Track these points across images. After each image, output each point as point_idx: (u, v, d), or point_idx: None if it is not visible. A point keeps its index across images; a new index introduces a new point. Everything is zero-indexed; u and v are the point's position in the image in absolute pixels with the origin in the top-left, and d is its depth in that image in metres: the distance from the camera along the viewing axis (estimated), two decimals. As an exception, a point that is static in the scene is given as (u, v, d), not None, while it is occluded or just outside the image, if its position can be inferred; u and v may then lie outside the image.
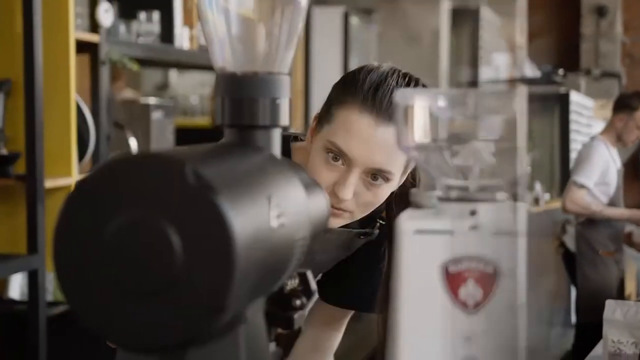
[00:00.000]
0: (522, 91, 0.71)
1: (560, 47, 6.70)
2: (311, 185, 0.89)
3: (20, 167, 2.37)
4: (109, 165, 0.63)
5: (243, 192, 0.66)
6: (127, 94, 3.87)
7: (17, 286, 2.48)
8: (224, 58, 0.84)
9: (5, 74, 2.40)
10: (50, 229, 2.05)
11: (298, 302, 0.90)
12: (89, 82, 2.66)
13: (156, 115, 3.02)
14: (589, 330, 4.20)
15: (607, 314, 1.94)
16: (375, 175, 1.25)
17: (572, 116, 6.85)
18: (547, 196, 6.11)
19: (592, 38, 9.05)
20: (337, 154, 1.24)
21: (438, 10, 5.47)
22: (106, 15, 2.65)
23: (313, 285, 0.98)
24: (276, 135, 0.84)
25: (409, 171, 1.33)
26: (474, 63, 7.16)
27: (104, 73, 2.69)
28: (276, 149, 0.83)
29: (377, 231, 1.40)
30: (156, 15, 3.03)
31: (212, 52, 0.85)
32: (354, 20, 5.70)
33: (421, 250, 0.70)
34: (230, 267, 0.61)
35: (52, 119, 2.45)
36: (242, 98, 0.82)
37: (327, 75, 4.08)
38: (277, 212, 0.71)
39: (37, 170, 2.31)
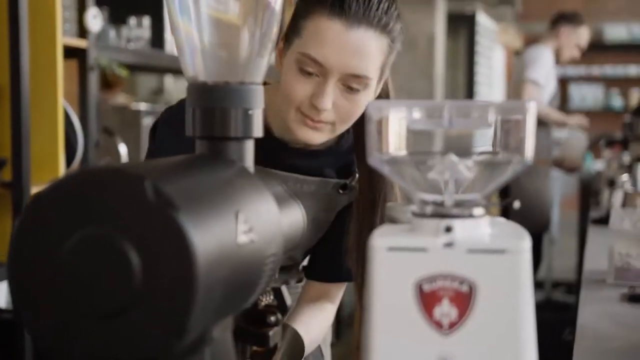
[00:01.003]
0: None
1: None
2: (285, 198, 0.86)
3: (6, 174, 2.34)
4: (67, 179, 0.61)
5: (207, 208, 0.63)
6: (121, 99, 3.85)
7: (3, 294, 2.45)
8: (195, 67, 0.81)
9: (-9, 79, 2.38)
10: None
11: (273, 319, 0.87)
12: (77, 88, 2.64)
13: (147, 121, 3.00)
14: None
15: (613, 223, 1.81)
16: (352, 84, 1.22)
17: (478, 37, 6.97)
18: None
19: None
20: (310, 65, 1.22)
21: (433, 15, 5.45)
22: (95, 20, 2.63)
23: (288, 300, 0.95)
24: (249, 147, 0.81)
25: (384, 78, 1.30)
26: (470, 64, 7.17)
27: (93, 79, 2.67)
28: (249, 160, 0.81)
29: (355, 185, 1.36)
30: (146, 20, 3.00)
31: (183, 61, 0.82)
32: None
33: (394, 268, 0.67)
34: (191, 287, 0.58)
35: (39, 125, 2.42)
36: (214, 108, 0.79)
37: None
38: (245, 227, 0.68)
39: (23, 178, 2.28)
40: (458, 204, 0.70)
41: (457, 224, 0.68)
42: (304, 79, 1.23)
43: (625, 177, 3.08)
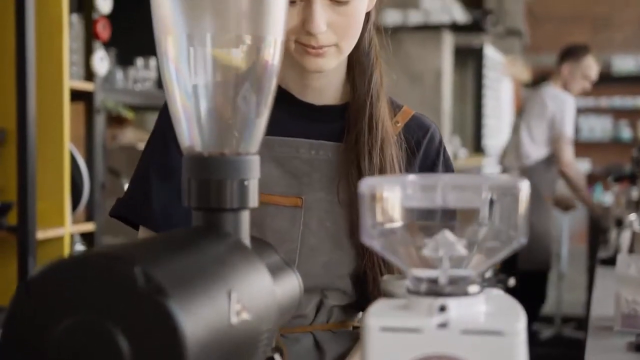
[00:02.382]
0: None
1: (465, 2, 6.72)
2: (280, 266, 0.86)
3: (12, 218, 2.35)
4: (57, 265, 0.61)
5: (199, 291, 0.63)
6: (129, 134, 3.86)
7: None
8: (191, 138, 0.81)
9: (-2, 123, 2.40)
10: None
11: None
12: (84, 130, 2.65)
13: (153, 161, 3.00)
14: (527, 277, 4.25)
15: (619, 269, 1.78)
16: None
17: (485, 71, 6.99)
18: (464, 152, 6.18)
19: None
20: None
21: (440, 50, 5.47)
22: (102, 63, 2.65)
23: None
24: (244, 218, 0.81)
25: None
26: (478, 97, 7.18)
27: (99, 121, 2.68)
28: (244, 231, 0.80)
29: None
30: (153, 61, 3.02)
31: (179, 131, 0.82)
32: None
33: (388, 348, 0.67)
34: (181, 374, 0.58)
35: (45, 168, 2.43)
36: (209, 180, 0.79)
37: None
38: (238, 307, 0.67)
39: (29, 222, 2.28)
40: (452, 281, 0.69)
41: (451, 302, 0.67)
42: (290, 9, 1.14)
43: (633, 216, 3.06)
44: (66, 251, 2.49)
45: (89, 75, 2.63)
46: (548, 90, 4.63)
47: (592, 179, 9.77)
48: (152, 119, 3.48)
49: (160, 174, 1.24)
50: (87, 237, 2.70)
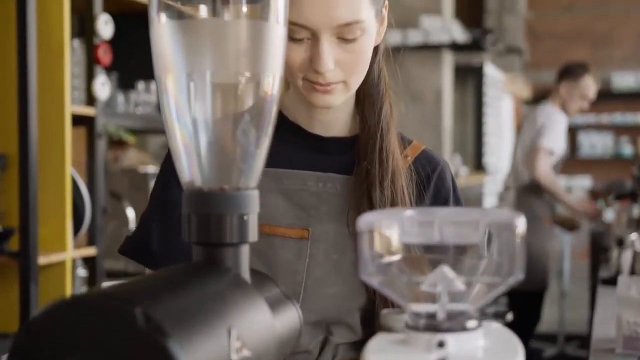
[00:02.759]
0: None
1: (465, 21, 6.77)
2: (280, 300, 0.86)
3: (14, 244, 2.36)
4: (58, 306, 0.61)
5: (199, 330, 0.63)
6: (132, 156, 3.88)
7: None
8: (192, 173, 0.82)
9: (0, 149, 2.40)
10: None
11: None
12: (85, 155, 2.66)
13: (155, 184, 3.01)
14: (523, 299, 4.24)
15: (620, 291, 1.77)
16: (347, 35, 1.13)
17: (485, 89, 7.01)
18: (465, 170, 6.20)
19: (496, 12, 9.27)
20: (297, 32, 1.13)
21: (441, 69, 5.49)
22: (103, 88, 2.66)
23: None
24: (244, 253, 0.81)
25: (384, 9, 1.22)
26: (479, 115, 7.21)
27: (101, 146, 2.69)
28: (244, 266, 0.81)
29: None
30: (154, 85, 3.04)
31: (179, 166, 0.83)
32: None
33: (387, 385, 0.67)
34: (181, 414, 0.58)
35: (47, 194, 2.44)
36: (210, 215, 0.80)
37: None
38: (238, 344, 0.68)
39: (30, 248, 2.29)
40: (451, 317, 0.70)
41: (450, 338, 0.68)
42: (297, 47, 1.15)
43: (634, 236, 3.06)
44: (68, 276, 2.49)
45: (91, 100, 2.65)
46: (543, 108, 4.64)
47: (594, 196, 9.79)
48: (153, 141, 3.50)
49: (162, 213, 1.25)
50: (89, 262, 2.71)
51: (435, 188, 1.30)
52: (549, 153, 4.39)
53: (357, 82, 1.19)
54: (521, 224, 0.69)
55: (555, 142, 4.42)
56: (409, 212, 0.73)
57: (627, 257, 2.85)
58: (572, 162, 9.96)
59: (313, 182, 1.25)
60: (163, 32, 0.79)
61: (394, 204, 1.21)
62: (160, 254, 1.20)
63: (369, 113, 1.26)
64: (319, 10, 1.11)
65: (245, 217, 0.80)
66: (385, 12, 1.24)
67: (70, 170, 2.48)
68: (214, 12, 0.82)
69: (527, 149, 4.52)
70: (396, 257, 0.72)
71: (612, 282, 2.80)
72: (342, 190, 1.25)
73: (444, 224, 0.69)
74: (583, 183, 9.92)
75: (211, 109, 0.81)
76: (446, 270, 0.70)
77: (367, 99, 1.27)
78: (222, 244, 0.79)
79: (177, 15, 0.80)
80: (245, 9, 0.78)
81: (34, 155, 2.35)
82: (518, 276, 0.69)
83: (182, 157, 0.82)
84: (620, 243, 3.23)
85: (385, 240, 0.71)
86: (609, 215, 5.94)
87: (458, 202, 1.32)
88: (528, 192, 4.47)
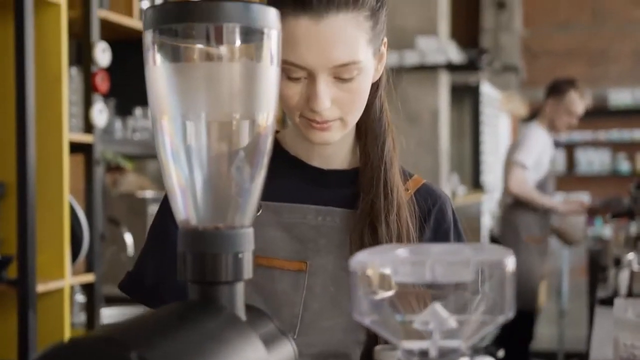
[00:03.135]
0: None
1: (461, 40, 6.81)
2: (275, 336, 0.87)
3: (12, 272, 2.36)
4: (55, 349, 0.62)
5: (194, 372, 0.64)
6: (130, 179, 3.88)
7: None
8: (187, 212, 0.83)
9: (-2, 176, 2.42)
10: (42, 335, 2.03)
11: None
12: (83, 182, 2.67)
13: (153, 209, 3.02)
14: (514, 319, 4.19)
15: (617, 313, 1.77)
16: (343, 75, 1.14)
17: (482, 108, 7.04)
18: (463, 189, 6.21)
19: (492, 31, 9.32)
20: (294, 71, 1.14)
21: (437, 90, 5.52)
22: (101, 115, 2.68)
23: None
24: (239, 290, 0.82)
25: (382, 47, 1.22)
26: (476, 134, 7.23)
27: (98, 172, 2.70)
28: (239, 303, 0.82)
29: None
30: (152, 110, 3.05)
31: (174, 205, 0.84)
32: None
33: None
34: None
35: (45, 221, 2.45)
36: (204, 254, 0.81)
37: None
38: (233, 384, 0.69)
39: (28, 276, 2.29)
40: (443, 354, 0.71)
41: (442, 376, 0.69)
42: (294, 85, 1.15)
43: (631, 255, 3.07)
44: (66, 303, 2.49)
45: (88, 127, 2.66)
46: (528, 126, 4.67)
47: (592, 212, 9.81)
48: (151, 166, 3.52)
49: (159, 249, 1.26)
50: (87, 288, 2.71)
51: (435, 221, 1.30)
52: (520, 166, 4.39)
53: (354, 118, 1.20)
54: (510, 262, 0.70)
55: (528, 156, 4.42)
56: (401, 251, 0.74)
57: (624, 277, 2.85)
58: (570, 179, 9.98)
59: (312, 215, 1.26)
60: (158, 74, 0.80)
61: (399, 238, 1.21)
62: (156, 291, 1.21)
63: (372, 147, 1.27)
64: (315, 51, 1.12)
65: (240, 255, 0.81)
66: (384, 49, 1.24)
67: (68, 198, 2.50)
68: (208, 54, 0.84)
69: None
70: (388, 295, 0.73)
71: (609, 302, 2.80)
72: (342, 223, 1.25)
73: (436, 263, 0.71)
74: (581, 199, 9.92)
75: (206, 148, 0.82)
76: (438, 308, 0.71)
77: (369, 133, 1.27)
78: (217, 282, 0.80)
79: (172, 58, 0.81)
80: (238, 51, 0.80)
81: (32, 183, 2.37)
82: (508, 314, 0.70)
83: (177, 195, 0.83)
84: (617, 262, 3.24)
85: (378, 279, 0.72)
86: (607, 232, 5.94)
87: (459, 236, 1.32)
88: (513, 211, 4.49)
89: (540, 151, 4.48)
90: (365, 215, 1.23)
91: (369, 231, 1.23)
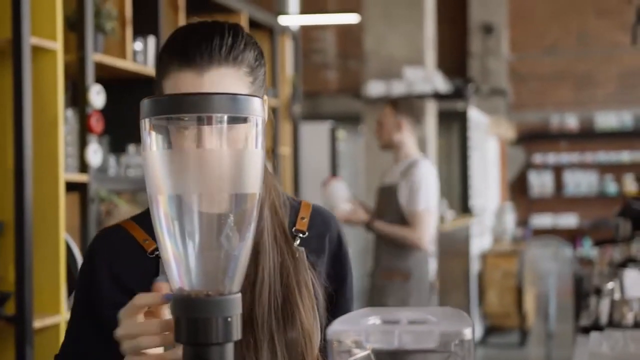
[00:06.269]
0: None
1: (449, 65, 6.91)
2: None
3: (9, 308, 2.44)
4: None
5: None
6: (124, 209, 3.95)
7: None
8: (181, 280, 0.92)
9: (-4, 215, 2.50)
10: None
11: None
12: (78, 220, 2.75)
13: (146, 241, 3.09)
14: None
15: (592, 347, 1.82)
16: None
17: (470, 132, 7.14)
18: (451, 213, 6.29)
19: (479, 55, 9.45)
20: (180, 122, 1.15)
21: (425, 119, 5.61)
22: (95, 155, 2.76)
23: None
24: (229, 350, 0.91)
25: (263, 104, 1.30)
26: (464, 159, 7.34)
27: (93, 210, 2.79)
28: (229, 362, 0.91)
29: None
30: (145, 147, 3.14)
31: (169, 274, 0.93)
32: (341, 133, 5.86)
33: None
34: None
35: (42, 259, 2.52)
36: (197, 318, 0.90)
37: (317, 187, 4.16)
38: None
39: (26, 312, 2.37)
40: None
41: None
42: (182, 136, 1.12)
43: (611, 284, 3.14)
44: (62, 338, 2.57)
45: (83, 166, 2.75)
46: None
47: (580, 233, 9.94)
48: (145, 199, 3.59)
49: (87, 318, 1.27)
50: (82, 322, 2.79)
51: (330, 244, 1.36)
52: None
53: None
54: (469, 332, 0.79)
55: None
56: (372, 320, 0.83)
57: (604, 306, 2.93)
58: (558, 201, 10.10)
59: None
60: (154, 159, 0.90)
61: (254, 281, 1.24)
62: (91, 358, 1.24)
63: None
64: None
65: (229, 319, 0.91)
66: (265, 106, 1.27)
67: (64, 236, 2.58)
68: (199, 141, 0.93)
69: None
70: (362, 357, 0.82)
71: (590, 330, 2.88)
72: None
73: (404, 333, 0.80)
74: (569, 221, 10.06)
75: (197, 223, 0.91)
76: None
77: None
78: (208, 344, 0.89)
79: (166, 145, 0.90)
80: (226, 137, 0.89)
81: (29, 222, 2.45)
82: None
83: (172, 266, 0.92)
84: (598, 291, 3.31)
85: (351, 347, 0.81)
86: (593, 253, 6.03)
87: (346, 256, 1.38)
88: None
89: None
90: None
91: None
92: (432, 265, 3.98)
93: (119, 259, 1.27)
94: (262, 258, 1.26)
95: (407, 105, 4.03)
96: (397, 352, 0.82)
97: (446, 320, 0.83)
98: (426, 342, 0.80)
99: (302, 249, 1.31)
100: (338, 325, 0.82)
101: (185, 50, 1.20)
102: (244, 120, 0.91)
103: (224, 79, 1.21)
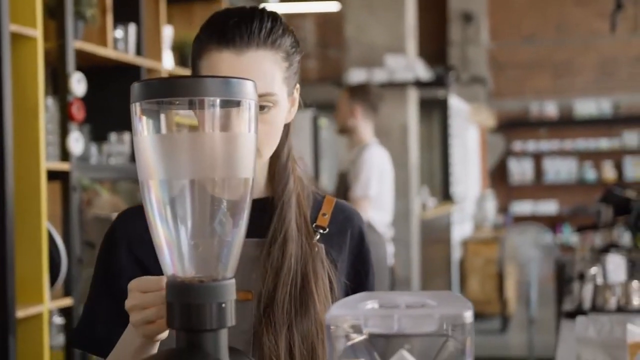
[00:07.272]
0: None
1: (429, 54, 6.92)
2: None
3: (-9, 299, 2.41)
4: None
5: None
6: (105, 198, 3.91)
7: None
8: (173, 266, 0.91)
9: (-23, 205, 2.46)
10: (22, 359, 2.05)
11: None
12: (60, 208, 2.72)
13: (128, 230, 3.06)
14: None
15: (579, 331, 1.83)
16: (260, 103, 1.18)
17: (450, 120, 7.18)
18: (433, 201, 6.32)
19: (459, 44, 9.50)
20: None
21: (406, 105, 5.61)
22: (77, 143, 2.73)
23: None
24: (223, 336, 0.90)
25: (295, 90, 1.31)
26: (445, 146, 7.36)
27: (75, 198, 2.76)
28: (223, 349, 0.90)
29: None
30: (127, 136, 3.11)
31: (162, 260, 0.92)
32: (323, 121, 5.84)
33: None
34: None
35: (23, 248, 2.50)
36: (190, 304, 0.89)
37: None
38: None
39: (8, 302, 2.34)
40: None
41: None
42: None
43: (594, 269, 3.16)
44: (45, 328, 2.55)
45: (65, 155, 2.72)
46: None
47: (559, 220, 10.01)
48: (125, 187, 3.56)
49: (105, 298, 1.28)
50: (65, 312, 2.76)
51: (352, 241, 1.36)
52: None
53: (268, 151, 1.26)
54: (469, 315, 0.78)
55: None
56: (370, 305, 0.82)
57: (587, 291, 2.94)
58: (538, 188, 10.15)
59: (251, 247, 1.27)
60: (145, 144, 0.88)
61: (279, 267, 1.25)
62: (109, 341, 1.21)
63: (276, 187, 1.31)
64: None
65: (223, 305, 0.89)
66: (297, 94, 1.33)
67: (46, 225, 2.55)
68: (190, 125, 0.92)
69: None
70: (359, 347, 0.81)
71: (574, 315, 2.89)
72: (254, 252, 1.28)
73: (403, 317, 0.79)
74: (549, 208, 10.12)
75: (190, 208, 0.90)
76: (405, 354, 0.79)
77: (276, 176, 1.32)
78: (202, 330, 0.88)
79: (157, 128, 0.89)
80: (218, 121, 0.88)
81: (10, 211, 2.42)
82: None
83: (164, 252, 0.91)
84: (581, 276, 3.33)
85: (349, 331, 0.80)
86: (574, 239, 6.07)
87: (366, 257, 1.38)
88: None
89: None
90: (268, 244, 1.27)
91: (262, 260, 1.26)
92: (390, 250, 4.01)
93: (137, 238, 1.26)
94: (289, 246, 1.26)
95: (361, 92, 4.08)
96: (396, 336, 0.81)
97: (445, 303, 0.82)
98: (425, 325, 0.80)
99: (322, 245, 1.31)
100: (336, 310, 0.81)
101: (224, 30, 1.22)
102: (237, 104, 0.89)
103: (262, 61, 1.23)
